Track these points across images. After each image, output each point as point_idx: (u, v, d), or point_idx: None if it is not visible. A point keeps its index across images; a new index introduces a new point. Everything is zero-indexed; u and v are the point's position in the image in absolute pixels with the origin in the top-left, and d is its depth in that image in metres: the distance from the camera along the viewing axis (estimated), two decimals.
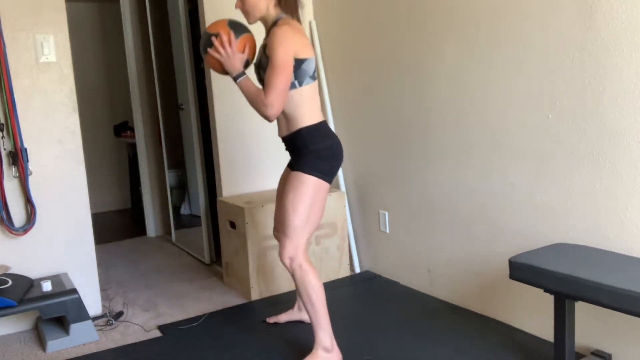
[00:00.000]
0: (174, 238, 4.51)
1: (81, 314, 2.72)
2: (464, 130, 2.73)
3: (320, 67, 3.59)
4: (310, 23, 3.64)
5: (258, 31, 2.43)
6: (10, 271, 2.83)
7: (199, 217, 3.96)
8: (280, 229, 2.32)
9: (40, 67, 2.87)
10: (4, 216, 2.78)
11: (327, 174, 2.28)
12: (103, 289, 3.41)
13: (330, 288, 3.19)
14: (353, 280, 3.40)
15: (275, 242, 3.18)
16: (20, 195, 2.85)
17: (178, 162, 4.57)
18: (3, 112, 2.77)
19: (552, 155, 2.34)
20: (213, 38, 2.21)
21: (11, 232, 2.81)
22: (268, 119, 2.18)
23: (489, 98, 2.58)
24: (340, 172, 3.56)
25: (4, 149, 2.79)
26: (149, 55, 4.52)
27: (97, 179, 5.63)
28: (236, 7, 2.31)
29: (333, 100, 3.61)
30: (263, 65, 2.22)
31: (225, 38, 2.19)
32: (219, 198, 3.47)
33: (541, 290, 2.39)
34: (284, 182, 2.49)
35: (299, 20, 2.32)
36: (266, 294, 3.21)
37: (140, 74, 4.58)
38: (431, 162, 2.94)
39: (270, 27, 2.25)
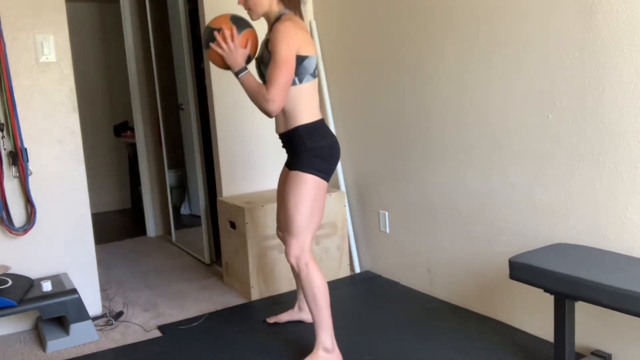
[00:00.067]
0: (174, 238, 4.51)
1: (81, 314, 2.72)
2: (464, 130, 2.73)
3: (320, 67, 3.59)
4: (310, 23, 3.64)
5: (260, 27, 2.43)
6: (10, 271, 2.83)
7: (199, 217, 3.96)
8: (284, 229, 2.33)
9: (40, 67, 2.87)
10: (4, 216, 2.78)
11: (326, 173, 2.29)
12: (103, 289, 3.41)
13: (331, 288, 3.18)
14: (353, 280, 3.40)
15: (275, 242, 3.18)
16: (20, 195, 2.85)
17: (178, 162, 4.56)
18: (3, 112, 2.78)
19: (552, 155, 2.34)
20: (215, 32, 2.21)
21: (11, 232, 2.81)
22: (269, 114, 2.18)
23: (489, 98, 2.58)
24: (340, 172, 3.56)
25: (4, 149, 2.79)
26: (149, 55, 4.52)
27: (97, 179, 5.63)
28: (239, 3, 2.30)
29: (333, 100, 3.61)
30: (265, 60, 2.22)
31: (227, 33, 2.19)
32: (219, 198, 3.47)
33: (541, 290, 2.39)
34: (284, 181, 2.48)
35: (301, 16, 2.32)
36: (266, 294, 3.21)
37: (140, 74, 4.58)
38: (431, 162, 2.94)
39: (273, 22, 2.25)
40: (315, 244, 3.30)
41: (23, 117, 2.83)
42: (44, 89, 2.88)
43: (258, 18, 2.32)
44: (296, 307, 2.79)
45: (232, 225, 3.27)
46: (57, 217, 2.95)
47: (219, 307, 3.09)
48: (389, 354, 2.44)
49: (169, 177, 4.55)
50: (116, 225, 5.35)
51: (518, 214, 2.52)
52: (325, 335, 2.29)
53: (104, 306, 3.18)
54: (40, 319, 2.91)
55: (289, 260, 2.30)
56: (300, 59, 2.19)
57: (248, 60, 2.27)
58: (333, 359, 2.30)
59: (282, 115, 2.29)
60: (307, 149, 2.25)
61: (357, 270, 3.57)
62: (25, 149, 2.82)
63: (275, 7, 2.27)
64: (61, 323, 2.85)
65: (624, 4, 2.02)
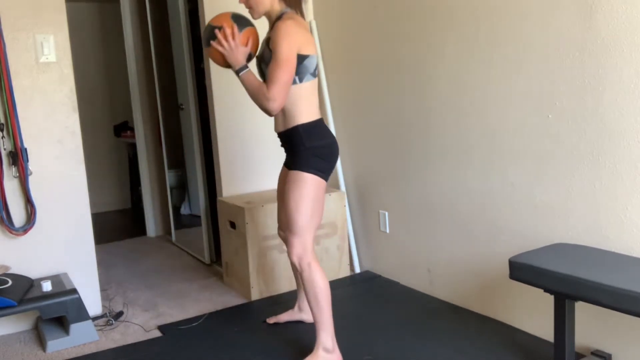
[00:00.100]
0: (174, 238, 4.51)
1: (81, 314, 2.72)
2: (464, 130, 2.72)
3: (320, 67, 3.59)
4: (310, 23, 3.63)
5: (261, 25, 2.43)
6: (10, 271, 2.83)
7: (199, 217, 3.96)
8: (285, 228, 2.33)
9: (40, 67, 2.87)
10: (4, 216, 2.78)
11: (325, 172, 2.29)
12: (103, 289, 3.41)
13: (331, 288, 3.16)
14: (353, 280, 3.40)
15: (275, 242, 3.18)
16: (20, 195, 2.85)
17: (178, 162, 4.56)
18: (3, 112, 2.77)
19: (552, 155, 2.34)
20: (216, 31, 2.20)
21: (11, 232, 2.81)
22: (269, 113, 2.18)
23: (489, 98, 2.58)
24: (340, 172, 3.56)
25: (4, 149, 2.79)
26: (149, 55, 4.52)
27: (97, 179, 5.63)
28: (240, 2, 2.30)
29: (333, 100, 3.61)
30: (265, 59, 2.22)
31: (228, 31, 2.19)
32: (219, 198, 3.47)
33: (541, 290, 2.38)
34: (283, 181, 2.49)
35: (302, 15, 2.32)
36: (266, 294, 3.21)
37: (140, 74, 4.58)
38: (431, 162, 2.94)
39: (275, 21, 2.25)
40: (315, 244, 3.29)
41: (23, 117, 2.83)
42: (44, 89, 2.88)
43: (259, 17, 2.31)
44: (296, 307, 2.79)
45: (232, 225, 3.27)
46: (57, 217, 2.95)
47: (219, 307, 3.09)
48: (389, 354, 2.44)
49: (169, 177, 4.55)
50: (116, 225, 5.35)
51: (518, 214, 2.52)
52: (326, 336, 2.29)
53: (104, 306, 3.18)
54: (40, 319, 2.91)
55: (291, 260, 2.30)
56: (301, 58, 2.18)
57: (249, 59, 2.27)
58: (333, 359, 2.31)
59: (282, 114, 2.28)
60: (306, 148, 2.25)
61: (357, 270, 3.57)
62: (25, 149, 2.82)
63: (277, 6, 2.27)
64: (61, 323, 2.85)
65: (624, 4, 2.02)
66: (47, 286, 2.70)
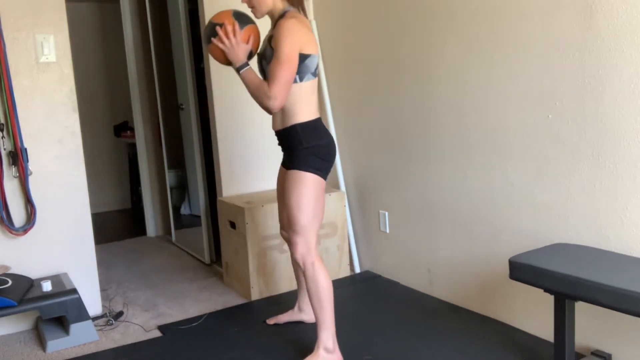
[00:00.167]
0: (174, 238, 4.51)
1: (81, 314, 2.72)
2: (464, 131, 2.72)
3: (320, 67, 3.59)
4: (310, 23, 3.63)
5: (262, 23, 2.43)
6: (10, 271, 2.83)
7: (199, 217, 3.96)
8: (288, 228, 2.33)
9: (40, 67, 2.87)
10: (4, 216, 2.78)
11: (323, 171, 2.29)
12: (103, 289, 3.41)
13: None
14: (353, 280, 3.40)
15: (275, 242, 3.18)
16: (20, 195, 2.85)
17: (178, 162, 4.56)
18: (3, 112, 2.77)
19: (552, 155, 2.34)
20: (217, 28, 2.20)
21: (11, 232, 2.81)
22: (270, 111, 2.18)
23: (489, 98, 2.58)
24: (340, 172, 3.56)
25: (4, 149, 2.79)
26: (149, 55, 4.52)
27: (97, 179, 5.63)
28: (243, 1, 2.30)
29: (333, 100, 3.61)
30: (267, 56, 2.21)
31: (229, 28, 2.18)
32: (219, 198, 3.47)
33: (541, 290, 2.38)
34: (282, 182, 2.49)
35: (305, 13, 2.32)
36: (266, 294, 3.20)
37: (140, 74, 4.58)
38: (431, 162, 2.94)
39: (277, 19, 2.24)
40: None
41: (23, 117, 2.83)
42: (44, 89, 2.88)
43: (262, 16, 2.31)
44: (296, 308, 2.79)
45: (232, 225, 3.27)
46: (57, 217, 2.95)
47: (219, 307, 3.09)
48: (389, 354, 2.43)
49: (169, 177, 4.55)
50: (116, 225, 5.35)
51: (518, 214, 2.52)
52: (327, 336, 2.29)
53: (104, 306, 3.18)
54: (40, 319, 2.91)
55: (295, 259, 2.30)
56: (302, 57, 2.18)
57: (250, 56, 2.27)
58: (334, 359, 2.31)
59: (280, 113, 2.28)
60: (304, 147, 2.25)
61: (357, 270, 3.57)
62: (25, 149, 2.82)
63: (280, 4, 2.26)
64: (61, 323, 2.85)
65: (624, 4, 2.02)
66: (47, 286, 2.70)
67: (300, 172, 2.25)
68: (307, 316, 2.75)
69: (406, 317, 2.80)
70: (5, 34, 2.74)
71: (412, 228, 3.14)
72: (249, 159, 3.56)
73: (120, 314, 3.06)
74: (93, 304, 3.07)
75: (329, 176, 3.56)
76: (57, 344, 2.68)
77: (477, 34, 2.59)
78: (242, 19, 2.23)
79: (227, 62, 2.25)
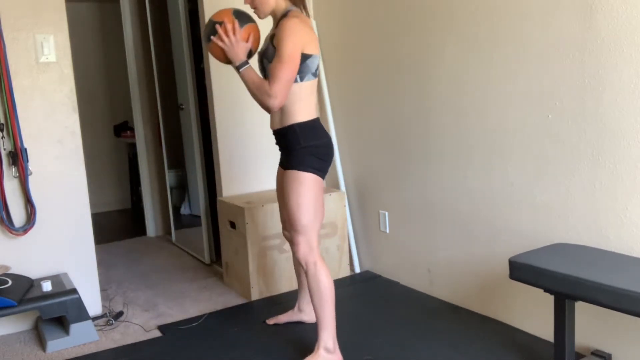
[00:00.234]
0: (174, 238, 4.51)
1: (81, 314, 2.72)
2: (464, 131, 2.72)
3: (320, 67, 3.59)
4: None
5: (262, 22, 2.42)
6: (10, 271, 2.83)
7: (199, 217, 3.96)
8: (290, 228, 2.33)
9: (40, 67, 2.87)
10: (4, 216, 2.78)
11: (321, 171, 2.29)
12: (103, 289, 3.41)
13: None
14: (353, 280, 3.40)
15: (275, 242, 3.18)
16: (20, 195, 2.85)
17: (178, 162, 4.56)
18: (3, 112, 2.77)
19: (552, 155, 2.34)
20: (217, 26, 2.20)
21: (11, 232, 2.81)
22: (270, 110, 2.18)
23: (489, 98, 2.58)
24: (340, 172, 3.56)
25: (4, 149, 2.79)
26: (149, 55, 4.52)
27: (97, 179, 5.63)
28: (245, 2, 2.30)
29: (333, 100, 3.61)
30: (268, 55, 2.21)
31: (229, 26, 2.18)
32: (219, 198, 3.47)
33: (541, 290, 2.38)
34: (281, 182, 2.49)
35: (307, 13, 2.32)
36: (266, 294, 3.20)
37: (140, 74, 4.58)
38: (431, 162, 2.94)
39: (280, 18, 2.24)
40: None
41: (23, 117, 2.83)
42: (44, 89, 2.88)
43: (265, 17, 2.31)
44: (296, 308, 2.79)
45: (232, 225, 3.27)
46: (57, 217, 2.95)
47: (219, 307, 3.09)
48: (389, 354, 2.43)
49: (169, 177, 4.55)
50: (116, 225, 5.35)
51: (518, 214, 2.52)
52: (328, 335, 2.29)
53: (104, 306, 3.18)
54: (40, 319, 2.90)
55: (298, 259, 2.30)
56: (304, 57, 2.19)
57: (249, 55, 2.27)
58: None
59: (279, 112, 2.28)
60: (302, 147, 2.25)
61: (357, 270, 3.57)
62: (25, 149, 2.82)
63: (282, 4, 2.27)
64: (61, 323, 2.85)
65: (624, 4, 2.02)
66: (47, 286, 2.70)
67: (299, 172, 2.25)
68: (307, 316, 2.75)
69: (406, 317, 2.80)
70: (5, 34, 2.74)
71: (412, 228, 3.14)
72: (249, 159, 3.56)
73: (120, 314, 3.06)
74: (93, 304, 3.07)
75: (329, 176, 3.57)
76: (57, 344, 2.68)
77: (477, 34, 2.59)
78: (242, 18, 2.23)
79: (227, 60, 2.25)
